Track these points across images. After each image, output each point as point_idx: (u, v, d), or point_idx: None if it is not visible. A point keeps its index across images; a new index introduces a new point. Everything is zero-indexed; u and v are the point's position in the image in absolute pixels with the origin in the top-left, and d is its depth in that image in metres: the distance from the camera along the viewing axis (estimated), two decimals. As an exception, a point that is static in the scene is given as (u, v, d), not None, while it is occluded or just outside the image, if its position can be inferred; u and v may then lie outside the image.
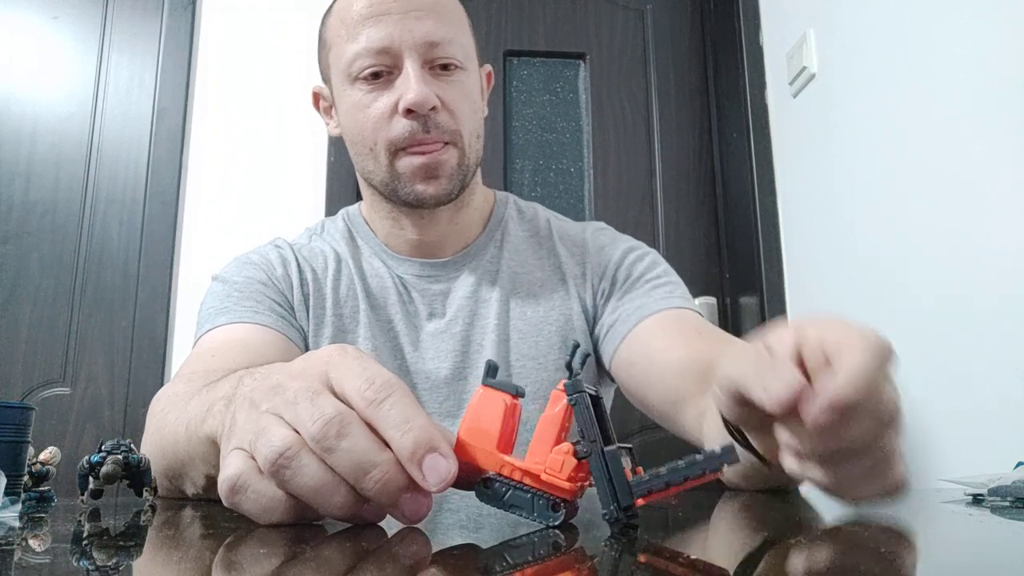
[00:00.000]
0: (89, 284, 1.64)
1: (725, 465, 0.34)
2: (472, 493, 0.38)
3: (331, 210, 1.62)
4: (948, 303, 1.07)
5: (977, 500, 0.53)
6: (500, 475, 0.37)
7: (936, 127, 1.12)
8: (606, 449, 0.36)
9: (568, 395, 0.37)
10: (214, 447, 0.45)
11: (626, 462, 0.36)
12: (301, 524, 0.37)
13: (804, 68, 1.51)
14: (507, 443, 0.37)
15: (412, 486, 0.34)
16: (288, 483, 0.34)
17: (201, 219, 1.67)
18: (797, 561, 0.28)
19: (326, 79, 0.86)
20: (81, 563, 0.30)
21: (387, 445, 0.34)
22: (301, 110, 1.73)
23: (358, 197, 0.93)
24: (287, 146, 1.71)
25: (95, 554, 0.33)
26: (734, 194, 1.80)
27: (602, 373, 0.88)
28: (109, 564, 0.30)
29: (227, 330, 0.77)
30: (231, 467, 0.35)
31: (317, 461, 0.34)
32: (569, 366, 0.38)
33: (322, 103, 0.89)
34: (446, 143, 0.78)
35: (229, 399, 0.43)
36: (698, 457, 0.35)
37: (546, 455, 0.37)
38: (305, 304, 0.83)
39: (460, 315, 0.84)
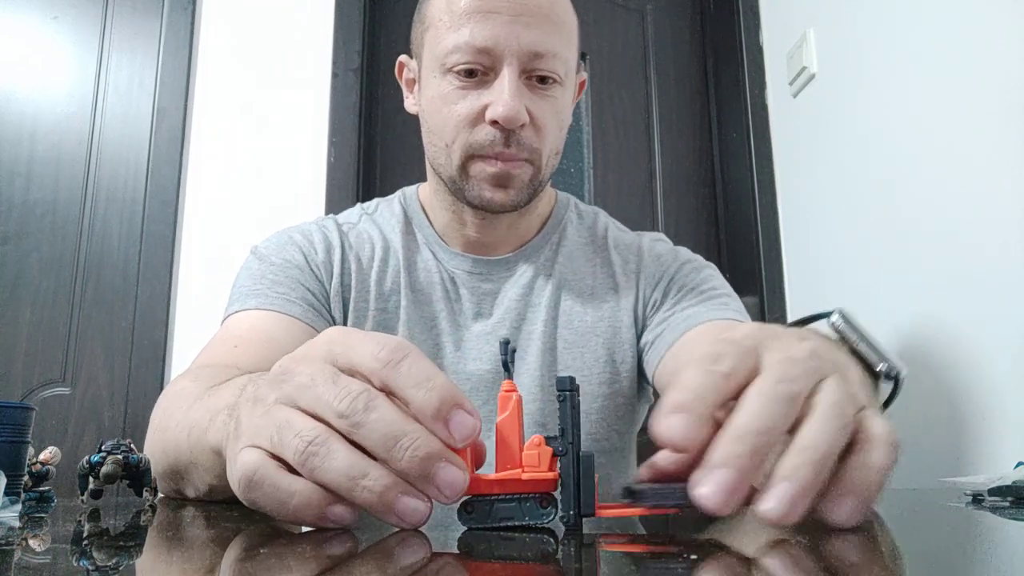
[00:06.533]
0: (89, 284, 1.64)
1: (680, 509, 0.33)
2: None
3: (331, 210, 1.62)
4: (948, 302, 1.07)
5: (977, 500, 0.53)
6: (479, 495, 0.35)
7: (936, 127, 1.11)
8: (582, 453, 0.35)
9: (559, 391, 0.36)
10: (219, 458, 0.44)
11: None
12: (305, 529, 0.37)
13: (804, 68, 1.51)
14: (476, 462, 0.36)
15: (444, 454, 0.33)
16: (317, 471, 0.33)
17: (201, 219, 1.67)
18: (796, 561, 0.28)
19: (416, 55, 0.82)
20: (81, 563, 0.30)
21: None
22: (301, 110, 1.74)
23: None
24: (287, 146, 1.71)
25: (95, 554, 0.33)
26: (734, 194, 1.80)
27: (644, 385, 0.85)
28: (109, 564, 0.30)
29: (254, 316, 0.76)
30: (246, 463, 0.34)
31: (346, 445, 0.33)
32: (505, 366, 0.37)
33: (406, 74, 0.85)
34: (523, 159, 0.75)
35: (232, 407, 0.42)
36: (669, 488, 0.33)
37: (516, 457, 0.36)
38: (343, 294, 0.81)
39: (507, 318, 0.82)
